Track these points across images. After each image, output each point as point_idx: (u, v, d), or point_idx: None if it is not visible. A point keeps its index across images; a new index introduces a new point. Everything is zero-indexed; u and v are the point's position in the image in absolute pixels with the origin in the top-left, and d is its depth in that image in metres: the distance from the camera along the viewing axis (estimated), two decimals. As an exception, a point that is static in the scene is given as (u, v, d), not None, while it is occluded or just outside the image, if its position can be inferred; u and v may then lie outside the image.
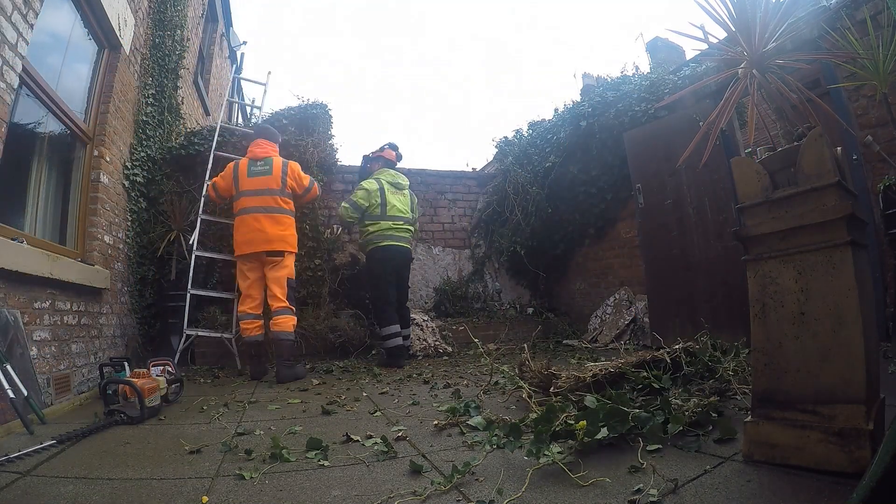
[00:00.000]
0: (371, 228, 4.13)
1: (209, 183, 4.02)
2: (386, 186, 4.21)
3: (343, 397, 2.74)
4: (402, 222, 4.20)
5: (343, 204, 4.21)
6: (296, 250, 3.81)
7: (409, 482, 1.41)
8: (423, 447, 1.76)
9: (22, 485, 1.43)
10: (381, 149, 4.46)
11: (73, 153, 3.30)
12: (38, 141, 2.91)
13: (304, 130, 4.96)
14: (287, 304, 3.61)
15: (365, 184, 4.21)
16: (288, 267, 3.71)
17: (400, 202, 4.25)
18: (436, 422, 2.04)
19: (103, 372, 2.88)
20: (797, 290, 1.34)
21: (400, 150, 4.52)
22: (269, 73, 6.04)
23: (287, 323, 3.57)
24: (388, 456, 1.66)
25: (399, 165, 4.63)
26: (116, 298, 3.70)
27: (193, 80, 6.62)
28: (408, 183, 4.44)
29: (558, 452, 1.47)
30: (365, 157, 4.51)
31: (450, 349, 4.67)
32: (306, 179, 3.87)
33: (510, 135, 6.27)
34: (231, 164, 3.85)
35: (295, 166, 3.86)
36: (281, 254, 3.66)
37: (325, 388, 3.10)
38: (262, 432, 2.03)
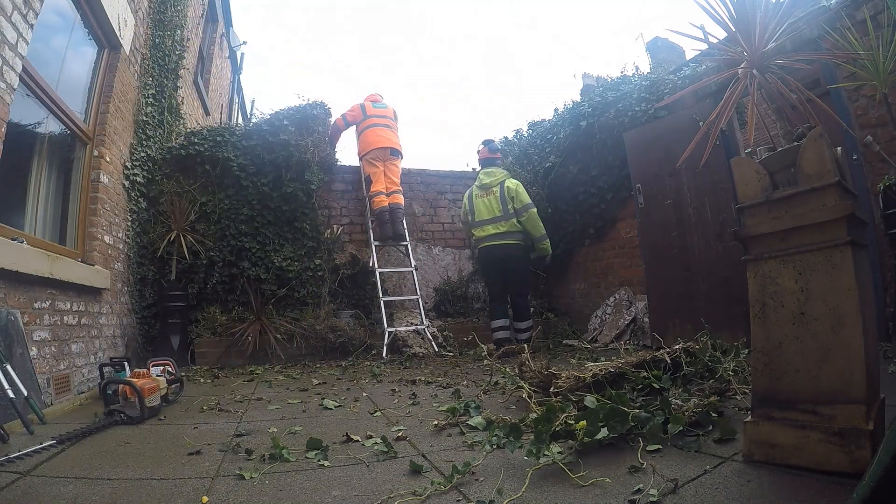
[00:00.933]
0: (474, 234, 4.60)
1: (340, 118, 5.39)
2: (474, 192, 4.63)
3: (343, 397, 2.74)
4: (491, 225, 4.43)
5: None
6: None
7: (409, 482, 1.41)
8: (423, 447, 1.76)
9: (22, 485, 1.43)
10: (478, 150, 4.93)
11: (73, 153, 3.30)
12: (38, 141, 2.91)
13: (305, 130, 4.97)
14: (401, 188, 5.31)
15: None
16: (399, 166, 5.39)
17: (486, 205, 4.48)
18: (436, 422, 2.04)
19: (103, 372, 2.88)
20: (797, 290, 1.34)
21: (492, 145, 4.83)
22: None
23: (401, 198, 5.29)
24: (388, 456, 1.66)
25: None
26: (116, 298, 3.70)
27: (193, 80, 6.62)
28: (495, 180, 4.51)
29: (558, 452, 1.47)
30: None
31: (450, 350, 4.67)
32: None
33: (510, 135, 6.27)
34: (357, 106, 5.41)
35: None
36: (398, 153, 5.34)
37: (325, 388, 3.10)
38: (262, 432, 2.03)
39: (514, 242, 4.39)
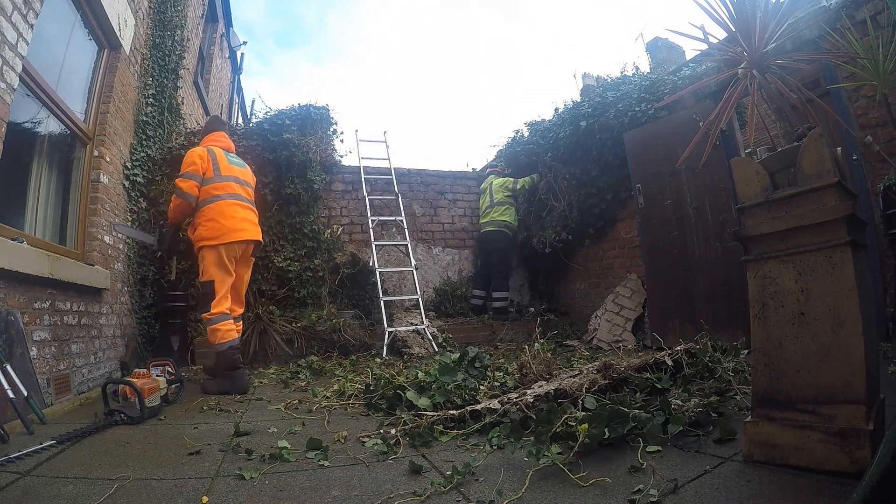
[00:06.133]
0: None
1: (180, 179, 3.19)
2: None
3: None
4: (485, 214, 5.72)
5: None
6: None
7: (409, 482, 1.41)
8: (423, 447, 1.76)
9: (22, 485, 1.43)
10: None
11: (73, 153, 3.30)
12: (38, 141, 2.91)
13: (306, 130, 4.97)
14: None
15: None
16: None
17: (482, 201, 5.83)
18: (436, 422, 2.03)
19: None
20: (797, 290, 1.34)
21: (480, 170, 6.30)
22: (385, 132, 6.34)
23: (238, 330, 3.31)
24: (388, 456, 1.66)
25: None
26: (116, 298, 3.70)
27: (193, 80, 6.62)
28: (487, 183, 5.81)
29: (558, 453, 1.47)
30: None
31: (450, 350, 4.67)
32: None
33: (510, 136, 6.27)
34: (201, 151, 3.23)
35: None
36: (261, 246, 3.45)
37: (326, 388, 3.09)
38: (262, 432, 2.03)
39: (497, 229, 5.52)
